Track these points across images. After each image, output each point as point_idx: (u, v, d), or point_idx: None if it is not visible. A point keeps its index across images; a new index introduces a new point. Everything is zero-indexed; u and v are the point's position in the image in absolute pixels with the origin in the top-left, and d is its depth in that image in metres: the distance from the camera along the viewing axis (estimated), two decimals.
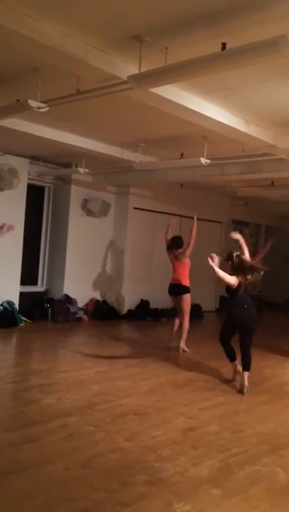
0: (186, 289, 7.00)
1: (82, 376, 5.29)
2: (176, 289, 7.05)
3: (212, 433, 3.89)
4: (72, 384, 4.97)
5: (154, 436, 3.73)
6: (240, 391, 5.05)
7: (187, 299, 7.02)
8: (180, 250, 7.16)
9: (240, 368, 5.29)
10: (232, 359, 5.45)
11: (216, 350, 7.28)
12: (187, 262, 7.13)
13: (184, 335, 6.96)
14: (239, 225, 13.18)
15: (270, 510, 2.76)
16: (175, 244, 7.21)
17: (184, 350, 6.90)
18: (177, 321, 7.14)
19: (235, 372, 5.44)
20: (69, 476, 3.02)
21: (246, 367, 5.16)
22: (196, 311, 10.69)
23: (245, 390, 5.02)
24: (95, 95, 4.20)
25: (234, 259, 5.13)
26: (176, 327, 7.14)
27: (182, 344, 6.93)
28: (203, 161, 5.97)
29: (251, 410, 4.56)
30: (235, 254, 5.18)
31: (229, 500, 2.84)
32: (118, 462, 3.24)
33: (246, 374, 5.12)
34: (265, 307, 12.40)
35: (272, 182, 8.71)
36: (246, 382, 5.06)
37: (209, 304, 11.62)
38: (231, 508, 2.76)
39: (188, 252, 7.09)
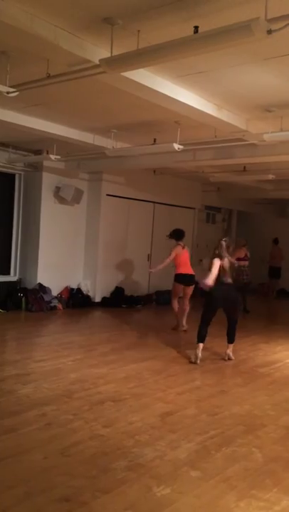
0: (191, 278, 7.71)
1: (59, 365, 5.27)
2: (191, 279, 7.68)
3: (189, 416, 3.95)
4: (49, 373, 4.94)
5: (132, 422, 3.75)
6: (229, 359, 5.82)
7: (191, 288, 7.73)
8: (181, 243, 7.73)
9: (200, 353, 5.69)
10: (202, 340, 5.70)
11: (191, 336, 7.39)
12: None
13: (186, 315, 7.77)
14: (211, 211, 13.29)
15: (247, 489, 2.82)
16: (183, 236, 7.81)
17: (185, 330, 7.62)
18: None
19: (198, 353, 5.68)
20: (48, 465, 3.01)
21: (232, 340, 5.89)
22: (168, 299, 10.76)
23: (228, 358, 5.83)
24: (66, 79, 4.10)
25: (220, 247, 5.72)
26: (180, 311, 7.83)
27: (183, 322, 7.70)
28: (176, 146, 5.94)
29: (227, 393, 4.64)
30: (223, 240, 5.80)
31: (208, 481, 2.89)
32: (97, 449, 3.25)
33: (231, 346, 5.89)
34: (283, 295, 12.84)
35: (244, 167, 8.78)
36: (230, 351, 5.86)
37: None
38: (210, 489, 2.81)
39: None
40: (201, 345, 5.68)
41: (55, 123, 6.62)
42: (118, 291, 9.94)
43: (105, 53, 3.69)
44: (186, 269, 7.62)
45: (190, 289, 7.68)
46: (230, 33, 2.84)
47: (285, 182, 10.39)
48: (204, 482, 2.88)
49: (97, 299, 9.74)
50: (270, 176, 8.75)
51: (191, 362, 5.67)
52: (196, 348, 5.69)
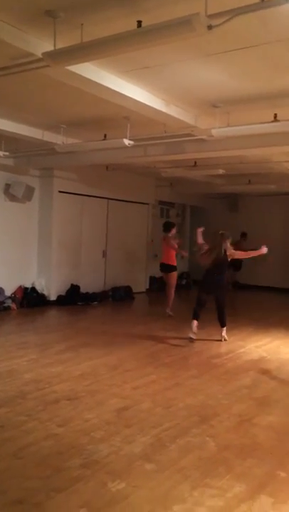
0: (171, 268, 8.70)
1: (13, 366, 5.16)
2: (164, 267, 8.82)
3: (145, 410, 3.97)
4: (2, 375, 4.83)
5: (87, 420, 3.73)
6: (224, 339, 6.67)
7: (172, 276, 8.74)
8: (169, 235, 8.77)
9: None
10: (198, 317, 6.63)
11: (147, 328, 7.43)
12: (172, 246, 8.69)
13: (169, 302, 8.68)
14: (165, 206, 13.39)
15: (201, 478, 2.88)
16: (165, 229, 8.89)
17: (169, 315, 8.49)
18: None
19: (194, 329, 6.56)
20: (0, 467, 2.94)
21: (224, 324, 6.74)
22: (127, 293, 10.81)
23: (224, 339, 6.69)
24: (8, 73, 4.01)
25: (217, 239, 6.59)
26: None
27: (168, 310, 8.60)
28: (126, 142, 5.94)
29: (181, 385, 4.70)
30: (220, 233, 6.61)
31: (162, 473, 2.92)
32: (51, 449, 3.21)
33: (224, 329, 6.73)
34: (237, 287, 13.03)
35: (195, 162, 8.89)
36: (224, 333, 6.73)
37: (140, 285, 11.75)
38: (164, 480, 2.84)
39: (172, 241, 8.75)
40: (195, 321, 6.58)
41: (1, 118, 6.44)
42: (74, 289, 9.84)
43: (49, 47, 3.63)
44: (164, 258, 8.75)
45: (169, 278, 8.75)
46: (172, 27, 2.86)
47: (235, 177, 10.62)
48: (159, 474, 2.91)
49: (53, 298, 9.60)
50: (220, 171, 8.92)
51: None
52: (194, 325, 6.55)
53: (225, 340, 6.67)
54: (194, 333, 6.53)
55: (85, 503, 2.57)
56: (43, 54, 3.50)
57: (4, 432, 3.48)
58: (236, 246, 12.68)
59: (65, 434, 3.45)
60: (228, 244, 6.58)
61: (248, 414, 3.96)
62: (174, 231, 8.89)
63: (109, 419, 3.75)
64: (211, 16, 2.78)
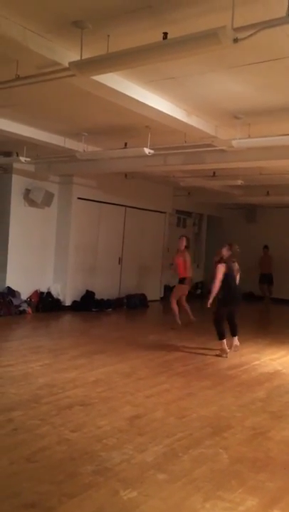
0: (178, 280, 8.49)
1: (27, 370, 5.20)
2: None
3: (157, 419, 3.96)
4: (17, 378, 4.87)
5: (100, 426, 3.74)
6: (236, 350, 6.54)
7: (176, 288, 8.59)
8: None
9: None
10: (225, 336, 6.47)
11: (161, 337, 7.43)
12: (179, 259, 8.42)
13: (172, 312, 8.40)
14: (182, 215, 13.41)
15: (213, 490, 2.85)
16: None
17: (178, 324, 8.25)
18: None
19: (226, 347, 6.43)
20: (14, 470, 2.97)
21: (236, 333, 6.68)
22: (142, 301, 10.82)
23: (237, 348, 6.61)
24: (35, 81, 4.08)
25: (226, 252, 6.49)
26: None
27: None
28: (147, 151, 5.98)
29: (195, 395, 4.68)
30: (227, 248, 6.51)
31: (174, 483, 2.91)
32: (64, 454, 3.22)
33: (236, 338, 6.65)
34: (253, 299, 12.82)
35: (214, 172, 8.91)
36: (237, 341, 6.66)
37: (155, 293, 11.75)
38: (176, 491, 2.83)
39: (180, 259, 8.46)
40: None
41: (25, 125, 6.55)
42: (89, 295, 9.89)
43: (75, 56, 3.70)
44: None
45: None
46: (198, 40, 2.89)
47: (254, 188, 10.60)
48: (171, 484, 2.90)
49: (68, 303, 9.66)
50: (239, 182, 8.91)
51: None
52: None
53: (237, 345, 6.63)
54: (227, 350, 6.41)
55: (96, 510, 2.58)
56: (69, 64, 3.57)
57: (18, 434, 3.51)
58: (261, 259, 12.70)
59: (78, 440, 3.46)
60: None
61: (262, 428, 3.92)
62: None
63: (121, 427, 3.75)
64: (237, 29, 2.81)
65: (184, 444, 3.48)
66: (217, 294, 6.34)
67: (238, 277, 6.60)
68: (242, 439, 3.68)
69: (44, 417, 3.85)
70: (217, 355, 6.35)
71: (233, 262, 6.52)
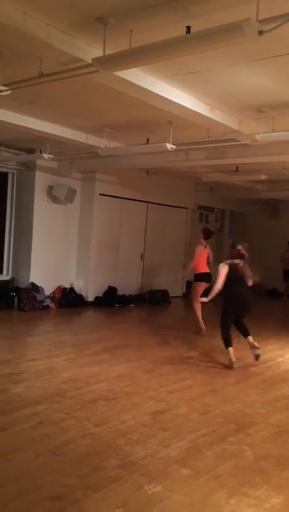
0: (194, 277, 7.64)
1: (51, 364, 5.27)
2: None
3: (181, 415, 3.96)
4: (41, 372, 4.94)
5: (124, 421, 3.76)
6: (257, 353, 5.72)
7: (192, 286, 7.67)
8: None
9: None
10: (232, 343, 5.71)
11: (183, 333, 7.41)
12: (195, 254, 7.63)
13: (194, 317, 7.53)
14: (204, 211, 13.33)
15: (237, 487, 2.84)
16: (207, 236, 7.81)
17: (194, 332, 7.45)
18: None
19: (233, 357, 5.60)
20: (39, 463, 3.01)
21: (248, 333, 5.84)
22: (164, 296, 10.82)
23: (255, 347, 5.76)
24: (58, 78, 4.11)
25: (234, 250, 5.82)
26: None
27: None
28: (169, 146, 5.96)
29: (218, 391, 4.66)
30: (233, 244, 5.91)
31: (198, 479, 2.91)
32: (89, 448, 3.26)
33: (250, 337, 5.80)
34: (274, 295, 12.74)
35: (237, 167, 8.82)
36: (253, 341, 5.77)
37: (177, 289, 11.73)
38: (200, 486, 2.83)
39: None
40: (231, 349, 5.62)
41: (48, 122, 6.61)
42: (111, 291, 9.95)
43: (98, 52, 3.70)
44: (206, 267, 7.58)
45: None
46: (223, 33, 2.86)
47: (277, 182, 10.45)
48: (195, 480, 2.90)
49: (90, 299, 9.74)
50: (263, 177, 8.80)
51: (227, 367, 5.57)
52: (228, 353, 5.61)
53: (253, 344, 5.76)
54: (234, 360, 5.58)
55: (121, 504, 2.60)
56: (92, 60, 3.57)
57: (43, 428, 3.56)
58: (284, 254, 12.54)
59: (102, 434, 3.49)
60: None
61: (287, 425, 3.88)
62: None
63: (145, 422, 3.77)
64: (262, 21, 2.77)
65: (207, 440, 3.48)
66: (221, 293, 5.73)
67: (249, 281, 5.77)
68: (266, 436, 3.65)
69: (69, 411, 3.90)
70: (225, 366, 5.62)
71: (237, 263, 5.69)
